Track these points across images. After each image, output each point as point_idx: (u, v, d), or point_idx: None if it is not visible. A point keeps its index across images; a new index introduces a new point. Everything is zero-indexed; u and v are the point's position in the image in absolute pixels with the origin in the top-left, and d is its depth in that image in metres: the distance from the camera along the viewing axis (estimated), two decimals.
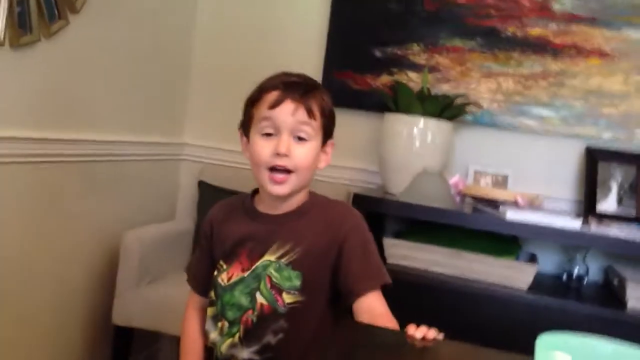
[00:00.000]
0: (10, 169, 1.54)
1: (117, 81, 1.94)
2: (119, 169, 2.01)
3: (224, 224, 1.21)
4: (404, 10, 2.15)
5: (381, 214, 1.97)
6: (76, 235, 1.85)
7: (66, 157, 1.73)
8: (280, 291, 1.11)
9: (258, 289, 1.12)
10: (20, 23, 1.49)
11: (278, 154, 1.09)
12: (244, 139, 1.18)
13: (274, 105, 1.09)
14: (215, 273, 1.19)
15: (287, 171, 1.10)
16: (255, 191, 1.22)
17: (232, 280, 1.15)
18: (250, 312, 1.13)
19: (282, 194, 1.12)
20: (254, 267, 1.13)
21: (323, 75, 2.18)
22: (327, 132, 1.16)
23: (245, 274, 1.14)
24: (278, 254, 1.13)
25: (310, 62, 2.18)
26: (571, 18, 2.00)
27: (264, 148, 1.10)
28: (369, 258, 1.14)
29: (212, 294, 1.20)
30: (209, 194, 2.21)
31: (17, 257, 1.62)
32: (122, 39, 1.93)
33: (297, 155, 1.10)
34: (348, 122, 2.14)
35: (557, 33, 2.02)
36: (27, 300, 1.68)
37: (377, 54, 2.17)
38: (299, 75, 1.15)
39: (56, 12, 1.61)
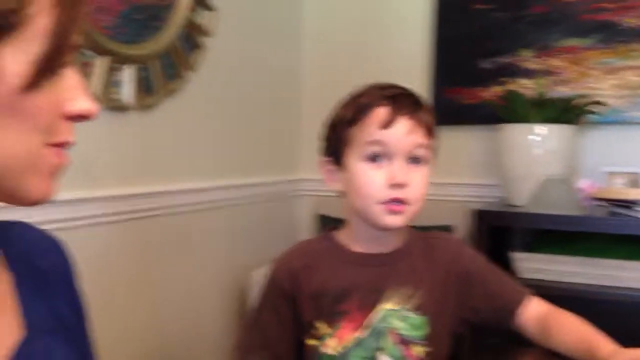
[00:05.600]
0: (140, 223, 1.65)
1: (231, 128, 2.05)
2: (238, 212, 2.09)
3: (311, 275, 0.97)
4: (509, 17, 2.09)
5: (506, 227, 1.90)
6: (204, 280, 1.94)
7: (186, 207, 1.83)
8: (408, 344, 0.93)
9: (380, 348, 0.93)
10: (144, 86, 1.63)
11: (394, 185, 0.91)
12: (331, 167, 1.00)
13: (386, 124, 0.91)
14: (311, 341, 0.95)
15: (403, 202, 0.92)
16: (336, 228, 1.05)
17: (345, 346, 0.93)
18: None
19: (398, 226, 0.94)
20: (370, 321, 0.93)
21: (431, 94, 2.16)
22: (435, 153, 1.00)
23: (362, 334, 0.93)
24: (398, 300, 0.95)
25: (415, 82, 2.18)
26: None
27: (373, 178, 0.92)
28: (503, 276, 1.04)
29: None
30: (328, 226, 2.25)
31: (146, 305, 1.72)
32: (233, 87, 2.04)
33: (415, 184, 0.92)
34: (460, 138, 2.10)
35: None
36: (161, 342, 1.78)
37: (485, 65, 2.13)
38: (399, 87, 0.97)
39: (175, 71, 1.75)
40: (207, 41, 1.85)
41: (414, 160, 0.93)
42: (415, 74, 2.22)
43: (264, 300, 1.01)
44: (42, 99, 0.48)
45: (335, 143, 0.98)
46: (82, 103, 0.52)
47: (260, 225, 2.24)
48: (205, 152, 1.93)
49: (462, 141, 2.11)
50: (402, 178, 0.90)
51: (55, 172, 0.53)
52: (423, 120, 0.93)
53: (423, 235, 1.04)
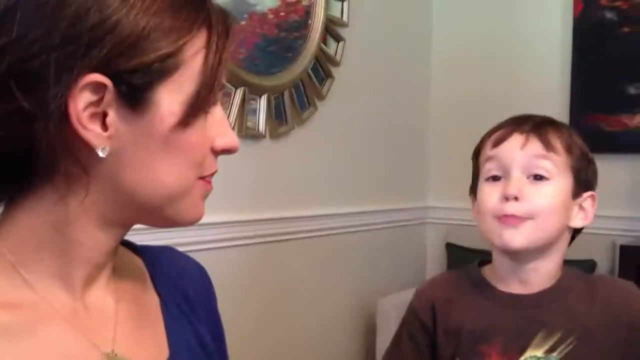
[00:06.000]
0: (271, 247, 1.69)
1: (359, 155, 2.06)
2: (365, 239, 2.09)
3: (452, 309, 0.93)
4: None
5: None
6: (331, 305, 1.95)
7: (315, 232, 1.85)
8: None
9: None
10: (276, 115, 1.68)
11: (507, 198, 0.85)
12: (474, 201, 0.96)
13: (498, 141, 0.89)
14: None
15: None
16: (484, 263, 0.98)
17: None
18: None
19: (516, 244, 0.85)
20: None
21: (570, 120, 2.04)
22: (581, 178, 0.92)
23: None
24: (546, 347, 0.87)
25: (552, 108, 2.07)
26: None
27: (490, 194, 0.88)
28: None
29: None
30: (458, 256, 2.18)
31: (275, 325, 1.74)
32: (361, 115, 2.05)
33: (534, 197, 0.85)
34: (603, 167, 1.95)
35: None
36: None
37: (632, 90, 1.98)
38: (532, 114, 0.94)
39: (306, 101, 1.79)
40: (336, 70, 1.89)
41: (536, 177, 0.87)
42: (552, 99, 2.11)
43: (402, 329, 0.99)
44: (194, 135, 0.51)
45: (473, 177, 0.96)
46: (229, 139, 0.55)
47: (388, 252, 2.22)
48: (334, 178, 1.95)
49: (604, 171, 1.94)
50: (514, 189, 0.85)
51: (203, 198, 0.56)
52: (545, 136, 0.88)
53: (584, 276, 0.94)
